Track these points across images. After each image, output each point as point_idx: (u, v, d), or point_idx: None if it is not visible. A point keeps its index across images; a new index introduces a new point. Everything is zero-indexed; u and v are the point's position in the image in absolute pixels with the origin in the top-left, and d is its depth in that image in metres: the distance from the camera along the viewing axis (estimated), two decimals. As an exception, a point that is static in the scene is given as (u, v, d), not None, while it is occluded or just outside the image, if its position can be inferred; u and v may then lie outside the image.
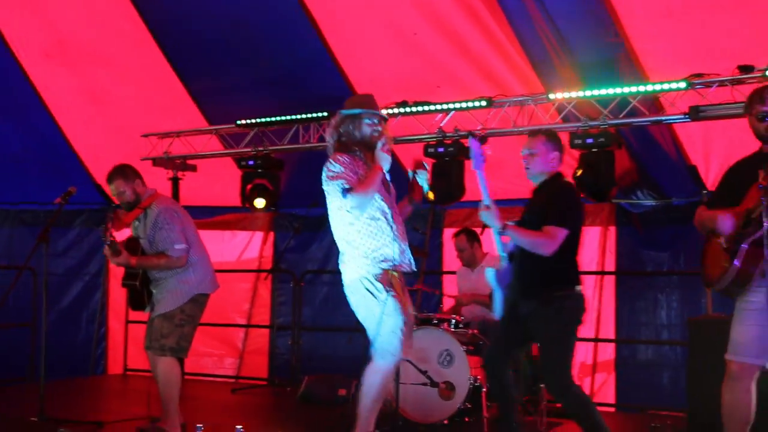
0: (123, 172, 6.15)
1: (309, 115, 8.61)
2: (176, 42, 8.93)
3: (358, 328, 5.09)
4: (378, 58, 8.25)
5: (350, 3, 7.95)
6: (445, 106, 7.91)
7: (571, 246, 5.07)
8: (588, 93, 7.23)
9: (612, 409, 8.14)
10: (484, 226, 5.19)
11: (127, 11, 8.63)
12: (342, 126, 5.03)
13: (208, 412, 7.62)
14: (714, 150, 7.48)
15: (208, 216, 10.19)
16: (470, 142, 5.11)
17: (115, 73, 9.39)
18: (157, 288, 6.04)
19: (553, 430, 6.78)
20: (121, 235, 6.20)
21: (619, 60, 7.13)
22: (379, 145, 4.88)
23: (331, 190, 4.84)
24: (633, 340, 8.37)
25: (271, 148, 9.06)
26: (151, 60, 8.98)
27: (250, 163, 9.09)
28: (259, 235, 10.49)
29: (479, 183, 5.06)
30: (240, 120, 9.04)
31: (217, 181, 10.00)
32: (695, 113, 6.83)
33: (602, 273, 8.43)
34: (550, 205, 5.04)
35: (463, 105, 7.79)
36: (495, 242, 5.17)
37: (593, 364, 8.36)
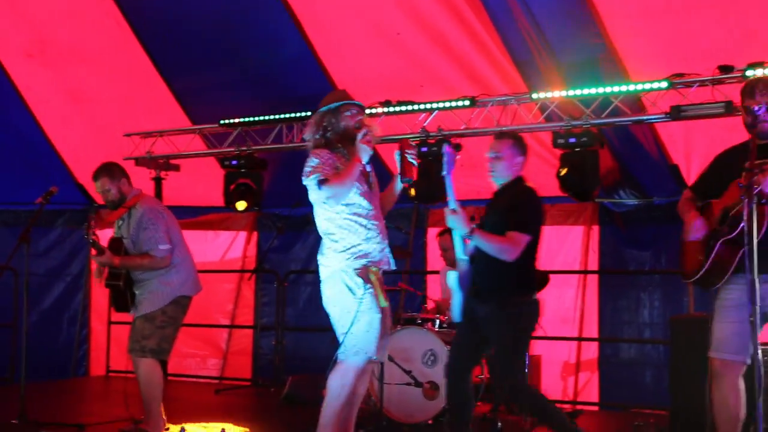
0: (109, 171, 6.14)
1: (292, 115, 8.60)
2: (159, 41, 8.91)
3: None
4: (361, 58, 8.25)
5: (333, 3, 7.95)
6: (428, 106, 7.91)
7: (530, 252, 5.08)
8: (571, 93, 7.25)
9: (595, 408, 8.18)
10: (444, 231, 5.21)
11: (110, 10, 8.60)
12: (325, 121, 5.00)
13: (192, 413, 7.59)
14: (695, 149, 7.52)
15: (192, 216, 10.16)
16: (444, 148, 5.12)
17: (98, 73, 9.36)
18: (140, 289, 6.02)
19: (536, 430, 6.79)
20: (105, 235, 6.16)
21: (602, 60, 7.16)
22: (359, 136, 4.84)
23: (309, 184, 4.82)
24: (616, 338, 8.41)
25: (254, 147, 9.04)
26: (134, 59, 8.95)
27: (234, 162, 9.06)
28: (242, 235, 10.48)
29: (446, 187, 5.07)
30: (223, 119, 9.02)
31: (201, 180, 9.97)
32: (676, 113, 6.86)
33: (585, 272, 8.47)
34: (514, 210, 5.06)
35: (447, 104, 7.79)
36: (456, 245, 5.18)
37: (576, 363, 8.39)
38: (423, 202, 8.23)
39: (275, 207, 9.90)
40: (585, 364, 8.39)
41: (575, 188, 7.34)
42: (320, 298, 4.95)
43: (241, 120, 8.94)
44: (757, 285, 3.94)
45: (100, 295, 10.32)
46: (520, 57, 7.50)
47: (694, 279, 4.68)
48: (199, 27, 8.56)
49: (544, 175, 7.86)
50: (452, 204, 5.01)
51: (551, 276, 7.25)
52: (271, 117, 8.76)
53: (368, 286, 4.77)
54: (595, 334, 8.41)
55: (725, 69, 6.63)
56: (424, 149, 7.84)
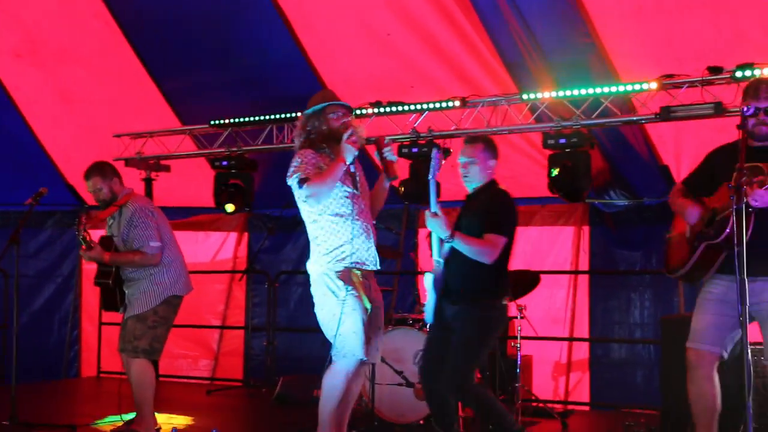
0: (101, 170, 6.14)
1: (283, 116, 8.59)
2: (149, 42, 8.89)
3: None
4: (351, 59, 8.24)
5: (324, 3, 7.95)
6: (418, 107, 7.91)
7: (504, 255, 5.13)
8: (561, 93, 7.27)
9: (586, 408, 8.20)
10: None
11: (99, 11, 8.58)
12: (308, 124, 5.01)
13: (184, 414, 7.58)
14: (685, 150, 7.54)
15: (182, 217, 10.16)
16: (434, 153, 5.12)
17: (87, 73, 9.33)
18: (130, 289, 6.01)
19: (528, 430, 6.81)
20: (96, 235, 6.15)
21: (591, 61, 7.18)
22: (345, 136, 4.84)
23: (292, 183, 4.82)
24: (607, 339, 8.42)
25: (244, 148, 9.03)
26: (124, 60, 8.93)
27: (224, 163, 9.06)
28: (233, 236, 10.48)
29: (429, 191, 5.08)
30: (213, 120, 9.01)
31: (191, 181, 9.95)
32: (666, 113, 6.88)
33: (576, 272, 8.48)
34: (490, 213, 5.10)
35: (437, 105, 7.79)
36: (433, 247, 5.18)
37: (567, 363, 8.41)
38: (413, 203, 8.23)
39: (266, 208, 9.90)
40: (576, 364, 8.41)
41: (566, 189, 7.36)
42: (311, 299, 4.97)
43: (232, 121, 8.93)
44: (747, 285, 3.95)
45: (90, 296, 10.31)
46: (510, 58, 7.51)
47: (676, 275, 4.77)
48: (189, 28, 8.54)
49: (534, 176, 7.90)
50: (433, 207, 5.03)
51: (542, 276, 7.29)
52: (262, 118, 8.76)
53: (350, 287, 4.78)
54: (586, 335, 8.42)
55: (714, 70, 6.65)
56: (415, 150, 7.85)
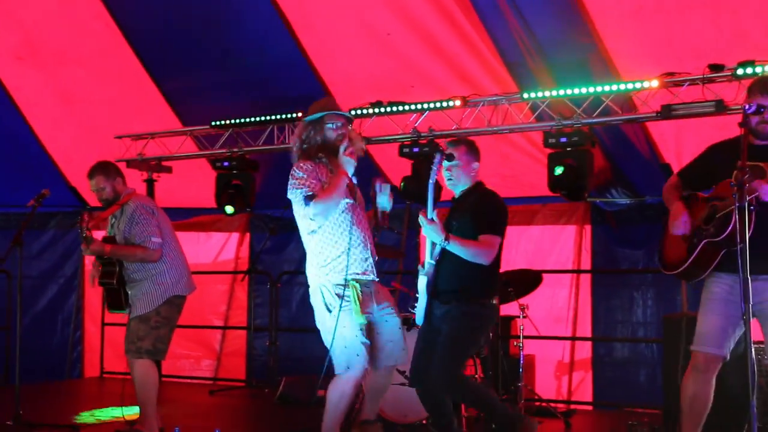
0: (105, 169, 6.16)
1: (283, 116, 8.59)
2: (149, 43, 8.90)
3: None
4: (352, 59, 8.24)
5: (324, 4, 7.94)
6: (419, 106, 7.91)
7: (496, 255, 5.14)
8: (561, 92, 7.26)
9: (589, 407, 8.19)
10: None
11: (99, 12, 8.59)
12: (304, 133, 5.00)
13: (186, 415, 7.59)
14: (686, 148, 7.53)
15: (184, 218, 10.17)
16: (436, 159, 5.13)
17: (88, 75, 9.34)
18: (133, 290, 6.02)
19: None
20: (98, 236, 6.15)
21: (592, 59, 7.17)
22: (342, 149, 4.83)
23: (294, 199, 4.82)
24: (609, 338, 8.42)
25: (246, 149, 9.03)
26: (124, 61, 8.93)
27: (225, 164, 9.07)
28: (235, 237, 10.48)
29: (428, 195, 5.10)
30: (214, 121, 9.01)
31: (193, 182, 9.96)
32: (667, 112, 6.88)
33: (578, 271, 8.48)
34: (483, 214, 5.12)
35: (438, 105, 7.79)
36: (426, 250, 5.18)
37: (570, 363, 8.41)
38: (415, 202, 8.23)
39: (267, 208, 9.91)
40: (579, 363, 8.40)
41: (570, 187, 7.36)
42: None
43: (233, 122, 8.93)
44: (750, 284, 3.95)
45: (93, 296, 10.31)
46: (510, 57, 7.51)
47: (673, 273, 4.73)
48: (190, 29, 8.55)
49: (535, 175, 7.90)
50: (430, 213, 5.04)
51: (544, 276, 7.29)
52: (263, 118, 8.76)
53: (344, 302, 4.78)
54: (589, 334, 8.42)
55: (716, 68, 6.64)
56: (416, 150, 7.86)
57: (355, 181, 4.95)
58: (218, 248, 10.49)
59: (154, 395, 5.96)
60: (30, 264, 10.35)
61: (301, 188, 4.74)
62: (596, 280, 8.51)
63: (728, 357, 4.62)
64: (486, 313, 5.19)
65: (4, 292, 9.29)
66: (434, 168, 5.10)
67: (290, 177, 4.82)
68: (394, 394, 6.60)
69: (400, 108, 7.97)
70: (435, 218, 5.05)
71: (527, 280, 7.13)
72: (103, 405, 7.81)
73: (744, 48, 6.51)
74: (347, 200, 4.90)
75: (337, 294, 4.80)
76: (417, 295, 5.29)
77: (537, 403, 7.50)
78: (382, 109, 8.01)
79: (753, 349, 3.98)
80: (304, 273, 5.00)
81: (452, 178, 5.21)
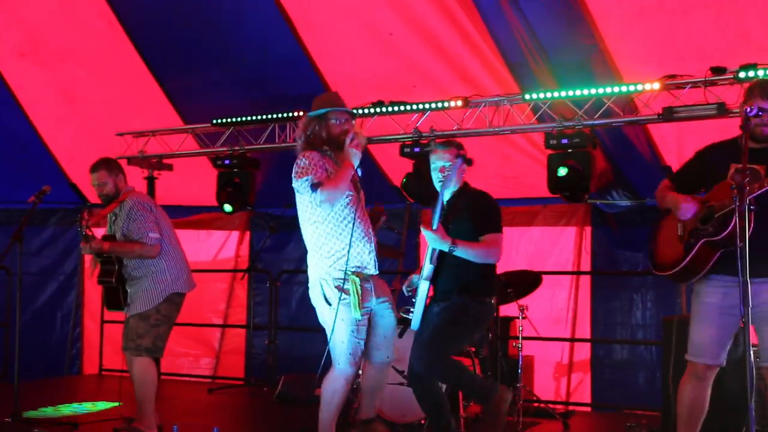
0: (108, 164, 6.20)
1: (285, 115, 8.60)
2: (151, 41, 8.89)
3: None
4: (354, 58, 8.24)
5: (326, 3, 7.94)
6: (421, 106, 7.91)
7: None
8: (563, 93, 7.26)
9: (588, 409, 8.19)
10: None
11: (102, 10, 8.59)
12: (309, 128, 5.01)
13: (185, 413, 7.59)
14: (687, 151, 7.42)
15: (184, 215, 10.17)
16: (456, 164, 5.09)
17: (90, 72, 9.34)
18: (133, 288, 6.02)
19: (529, 430, 6.81)
20: (98, 233, 6.15)
21: (594, 61, 7.17)
22: (347, 141, 4.86)
23: (300, 187, 4.82)
24: (608, 339, 8.42)
25: (247, 147, 9.04)
26: (126, 59, 8.93)
27: (226, 162, 9.07)
28: (235, 235, 10.48)
29: (437, 203, 5.05)
30: (216, 119, 9.01)
31: (193, 180, 9.96)
32: (668, 114, 6.88)
33: (578, 273, 8.48)
34: (482, 214, 5.15)
35: (439, 105, 7.80)
36: (428, 255, 5.16)
37: (569, 364, 8.41)
38: (415, 202, 8.23)
39: (268, 207, 9.91)
40: (577, 364, 8.41)
41: (572, 189, 7.36)
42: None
43: (234, 120, 8.94)
44: (748, 287, 3.96)
45: (93, 293, 10.31)
46: (512, 58, 7.51)
47: (667, 274, 4.72)
48: (191, 27, 8.54)
49: (536, 176, 7.89)
50: (435, 224, 5.01)
51: (544, 277, 7.28)
52: (264, 117, 8.76)
53: (343, 295, 4.79)
54: (588, 335, 8.42)
55: (717, 70, 6.64)
56: (417, 150, 7.86)
57: (359, 173, 4.96)
58: (218, 246, 10.49)
59: (153, 393, 5.97)
60: (30, 260, 10.34)
61: (307, 175, 4.75)
62: (596, 282, 8.51)
63: (725, 364, 4.64)
64: (483, 309, 5.20)
65: (4, 288, 9.29)
66: (453, 176, 5.07)
67: (294, 166, 4.83)
68: (393, 394, 6.61)
69: (402, 108, 7.98)
70: (438, 227, 5.01)
71: (527, 281, 7.13)
72: (101, 402, 7.82)
73: (747, 50, 6.51)
74: (351, 193, 4.92)
75: (336, 287, 4.81)
76: (414, 299, 5.28)
77: (535, 404, 7.51)
78: (384, 109, 8.01)
79: (752, 353, 3.98)
80: (303, 272, 5.01)
81: (444, 180, 5.20)
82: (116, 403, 7.49)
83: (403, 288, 5.50)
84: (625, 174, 8.14)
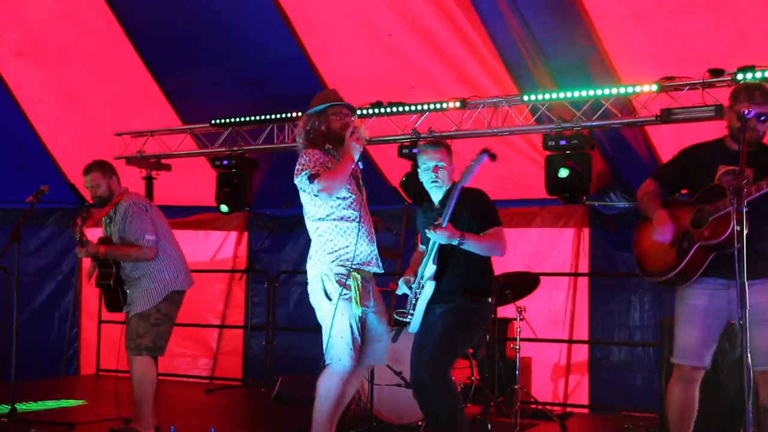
0: (102, 166, 6.19)
1: (283, 115, 8.60)
2: (150, 41, 8.90)
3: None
4: (352, 59, 8.25)
5: (325, 3, 7.95)
6: (419, 107, 7.92)
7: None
8: (561, 95, 7.27)
9: (585, 411, 8.19)
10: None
11: (101, 10, 8.60)
12: (308, 124, 5.01)
13: (182, 413, 7.59)
14: (686, 152, 7.53)
15: (182, 216, 10.17)
16: (481, 159, 5.02)
17: (89, 72, 9.34)
18: (132, 289, 6.03)
19: (527, 431, 6.81)
20: (94, 235, 6.16)
21: (592, 62, 7.18)
22: (348, 134, 4.87)
23: (300, 182, 4.81)
24: (606, 341, 8.42)
25: (245, 147, 9.04)
26: (125, 59, 8.94)
27: (225, 162, 9.07)
28: (233, 235, 10.48)
29: (453, 198, 4.95)
30: (214, 119, 9.02)
31: (192, 180, 9.96)
32: (666, 116, 6.89)
33: (576, 275, 8.48)
34: (482, 209, 5.13)
35: (438, 106, 7.80)
36: (431, 254, 5.12)
37: (567, 366, 8.40)
38: (414, 203, 8.22)
39: (266, 207, 9.90)
40: (575, 366, 8.40)
41: (572, 190, 7.36)
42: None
43: (232, 120, 8.94)
44: (737, 289, 3.96)
45: (90, 293, 10.32)
46: (510, 59, 7.51)
47: (661, 279, 4.69)
48: (191, 27, 8.55)
49: (534, 178, 7.90)
50: (445, 221, 4.93)
51: (542, 278, 7.29)
52: (262, 117, 8.77)
53: (344, 291, 4.78)
54: (586, 337, 8.42)
55: (715, 72, 6.66)
56: (415, 150, 7.84)
57: (361, 166, 4.95)
58: (216, 247, 10.48)
59: (152, 393, 5.97)
60: (28, 260, 10.35)
61: (305, 169, 4.75)
62: (594, 283, 8.50)
63: (710, 366, 4.65)
64: (483, 309, 5.18)
65: (2, 288, 9.30)
66: (475, 169, 5.01)
67: (296, 164, 4.82)
68: (390, 396, 6.61)
69: (400, 109, 7.98)
70: (446, 224, 4.96)
71: (525, 283, 7.13)
72: (98, 402, 7.82)
73: (745, 52, 6.52)
74: (355, 192, 4.92)
75: (338, 281, 4.80)
76: (414, 301, 5.21)
77: (533, 406, 7.51)
78: (382, 110, 8.02)
79: (749, 354, 3.98)
80: (301, 272, 5.01)
81: (438, 180, 5.17)
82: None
83: (401, 289, 5.45)
84: (623, 175, 8.14)
